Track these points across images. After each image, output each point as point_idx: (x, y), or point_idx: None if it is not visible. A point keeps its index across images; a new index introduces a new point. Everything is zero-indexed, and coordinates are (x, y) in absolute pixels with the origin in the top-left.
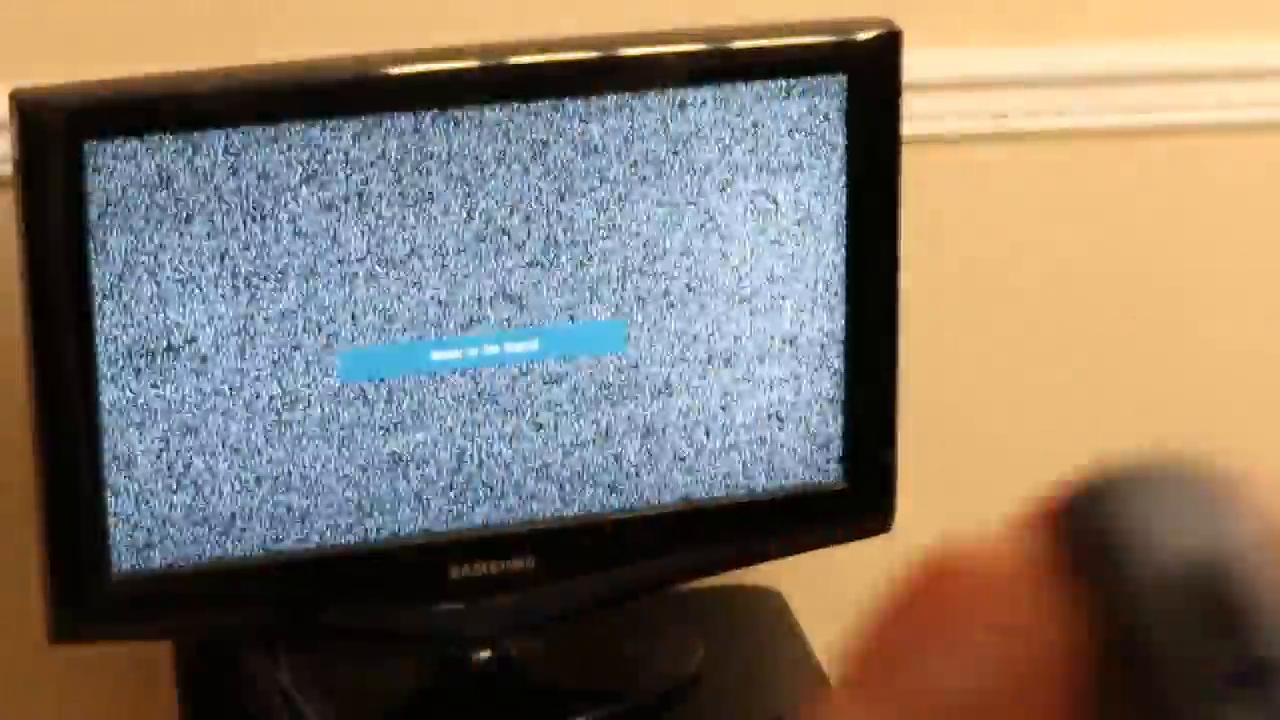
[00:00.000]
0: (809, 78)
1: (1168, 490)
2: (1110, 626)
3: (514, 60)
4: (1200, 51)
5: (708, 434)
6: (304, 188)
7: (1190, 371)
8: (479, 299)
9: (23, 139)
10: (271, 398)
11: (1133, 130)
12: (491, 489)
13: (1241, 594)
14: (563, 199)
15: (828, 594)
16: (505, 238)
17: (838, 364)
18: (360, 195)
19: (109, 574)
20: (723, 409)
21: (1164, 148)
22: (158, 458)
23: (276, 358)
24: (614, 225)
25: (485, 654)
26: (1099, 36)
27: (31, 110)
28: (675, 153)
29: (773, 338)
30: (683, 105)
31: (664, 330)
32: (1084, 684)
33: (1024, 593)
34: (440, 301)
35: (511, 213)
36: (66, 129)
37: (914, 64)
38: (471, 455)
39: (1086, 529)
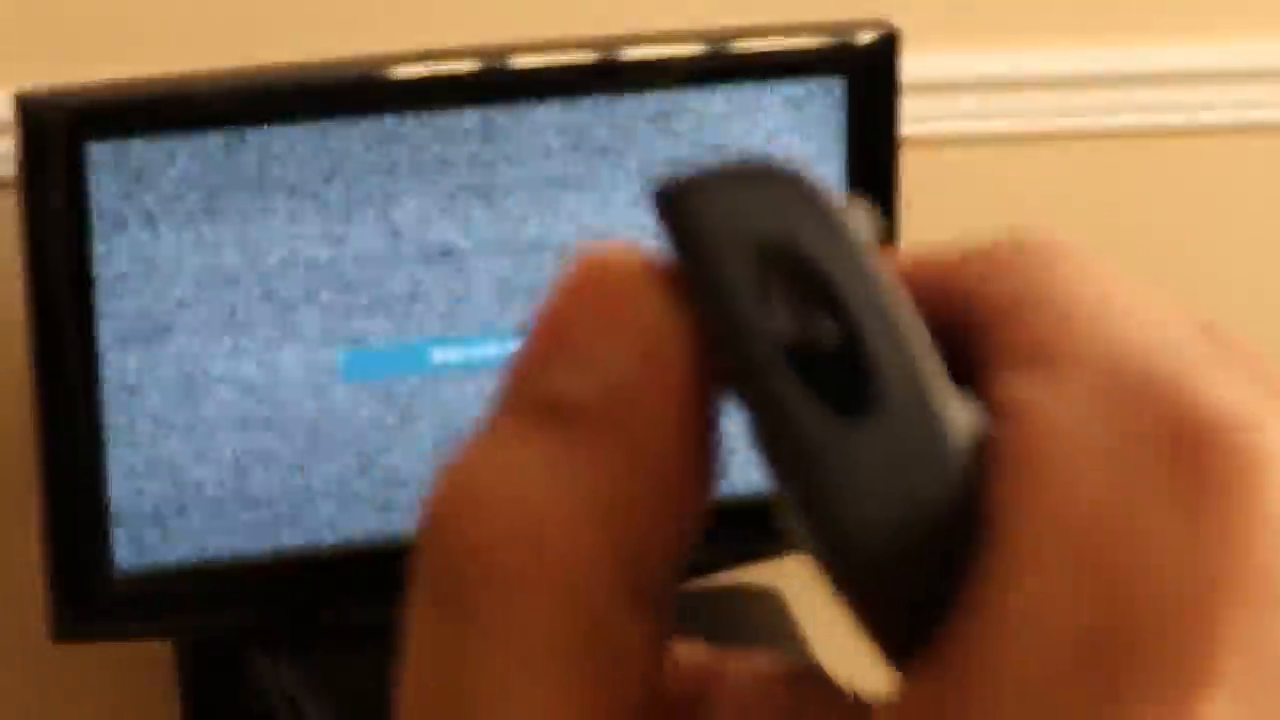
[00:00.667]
0: (808, 79)
1: (765, 183)
2: (700, 302)
3: (514, 61)
4: (1205, 54)
5: None
6: (307, 187)
7: None
8: (479, 298)
9: (26, 139)
10: (274, 398)
11: (1136, 132)
12: None
13: (818, 264)
14: (562, 199)
15: (828, 594)
16: (505, 237)
17: None
18: (364, 194)
19: (111, 573)
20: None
21: (1168, 150)
22: (160, 458)
23: (279, 358)
24: (613, 225)
25: None
26: (1101, 38)
27: (35, 111)
28: (674, 153)
29: None
30: (682, 105)
31: None
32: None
33: (646, 284)
34: (442, 301)
35: (510, 212)
36: (69, 129)
37: (913, 65)
38: None
39: (677, 212)
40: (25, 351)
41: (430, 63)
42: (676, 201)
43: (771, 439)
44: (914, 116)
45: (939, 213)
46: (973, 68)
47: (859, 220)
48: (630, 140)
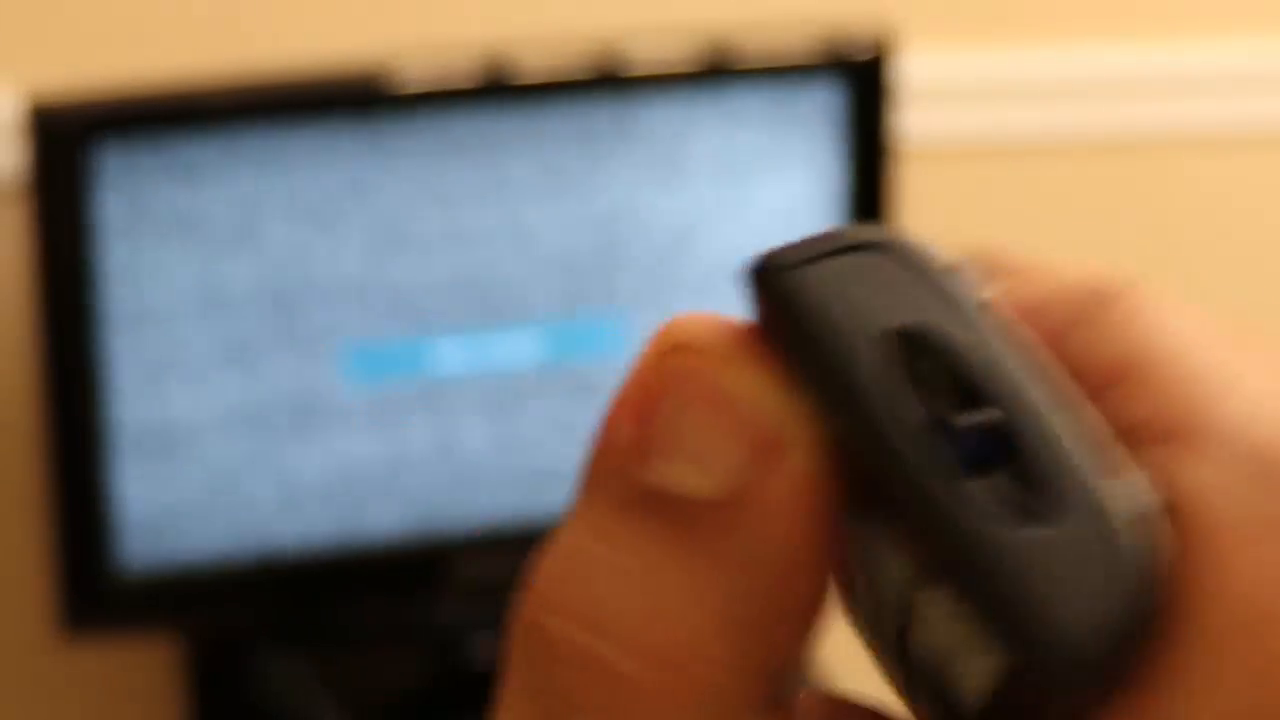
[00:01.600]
0: (807, 79)
1: (875, 257)
2: (825, 395)
3: (512, 61)
4: (1212, 56)
5: None
6: (314, 187)
7: None
8: (480, 297)
9: (35, 142)
10: (277, 398)
11: (1138, 140)
12: (494, 486)
13: (958, 352)
14: (561, 199)
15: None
16: (505, 236)
17: None
18: (370, 195)
19: (115, 572)
20: None
21: (1172, 158)
22: (164, 457)
23: (284, 358)
24: (613, 225)
25: (489, 652)
26: (1105, 40)
27: (44, 114)
28: (672, 153)
29: None
30: (680, 105)
31: None
32: (820, 468)
33: (749, 368)
34: (444, 300)
35: (510, 212)
36: (79, 132)
37: (912, 66)
38: (474, 453)
39: (783, 292)
40: (27, 351)
41: (431, 63)
42: (780, 280)
43: (934, 546)
44: (914, 117)
45: (938, 215)
46: (974, 69)
47: (974, 285)
48: (627, 140)
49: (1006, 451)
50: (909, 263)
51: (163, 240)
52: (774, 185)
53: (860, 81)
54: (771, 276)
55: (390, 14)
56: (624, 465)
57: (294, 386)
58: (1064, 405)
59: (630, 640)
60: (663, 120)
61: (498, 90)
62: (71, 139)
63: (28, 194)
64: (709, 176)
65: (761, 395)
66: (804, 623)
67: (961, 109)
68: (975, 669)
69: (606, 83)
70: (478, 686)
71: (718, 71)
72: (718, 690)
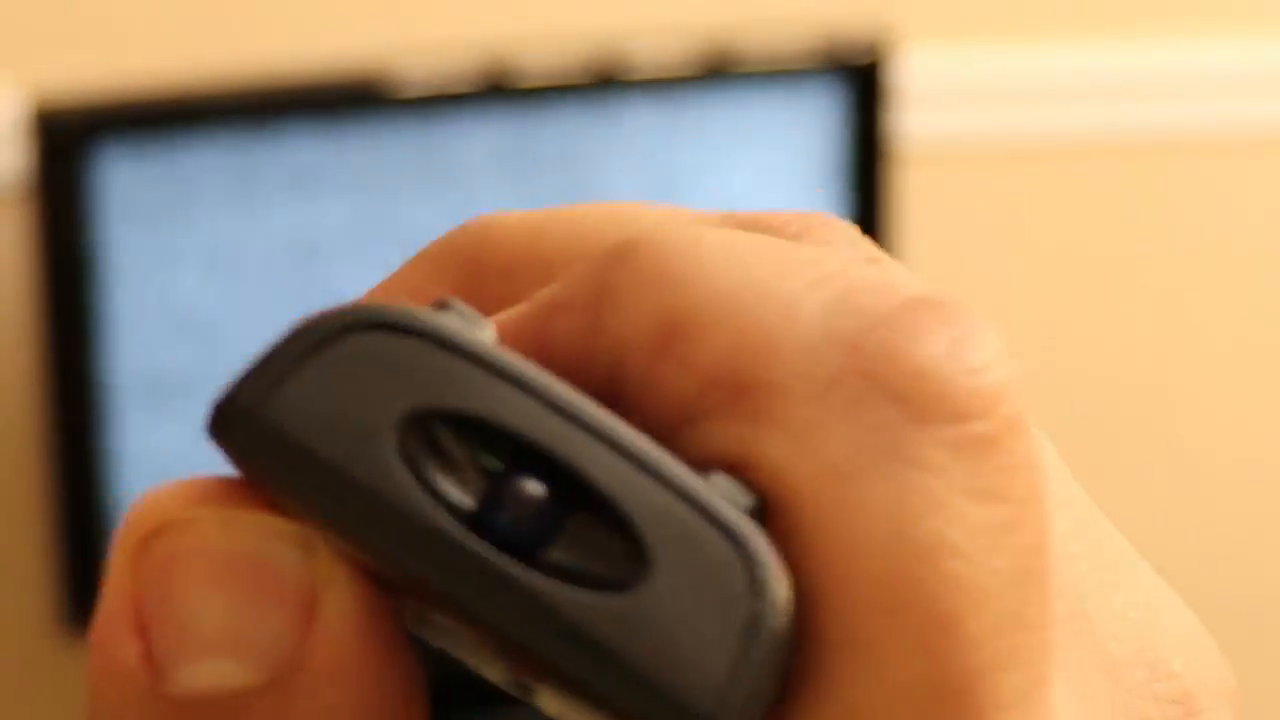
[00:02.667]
0: (806, 79)
1: (342, 346)
2: (346, 523)
3: (512, 63)
4: (1222, 56)
5: None
6: (320, 187)
7: (1197, 378)
8: None
9: (38, 143)
10: None
11: (1140, 141)
12: None
13: (476, 419)
14: (561, 199)
15: None
16: None
17: None
18: (371, 193)
19: None
20: None
21: (1176, 160)
22: (167, 455)
23: None
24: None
25: None
26: (1108, 40)
27: (47, 115)
28: (672, 153)
29: None
30: (680, 105)
31: None
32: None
33: (245, 519)
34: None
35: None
36: (81, 133)
37: (912, 66)
38: None
39: (249, 443)
40: (29, 352)
41: (431, 64)
42: (244, 424)
43: (521, 646)
44: (914, 117)
45: (938, 216)
46: (976, 69)
47: (471, 331)
48: (627, 140)
49: (565, 511)
50: (390, 334)
51: (164, 240)
52: (773, 187)
53: (859, 85)
54: (233, 426)
55: (391, 14)
56: (142, 689)
57: None
58: (613, 439)
59: None
60: (661, 123)
61: (496, 91)
62: (73, 140)
63: (30, 194)
64: (707, 179)
65: (270, 544)
66: None
67: (963, 111)
68: None
69: (605, 84)
70: (480, 686)
71: (716, 74)
72: None
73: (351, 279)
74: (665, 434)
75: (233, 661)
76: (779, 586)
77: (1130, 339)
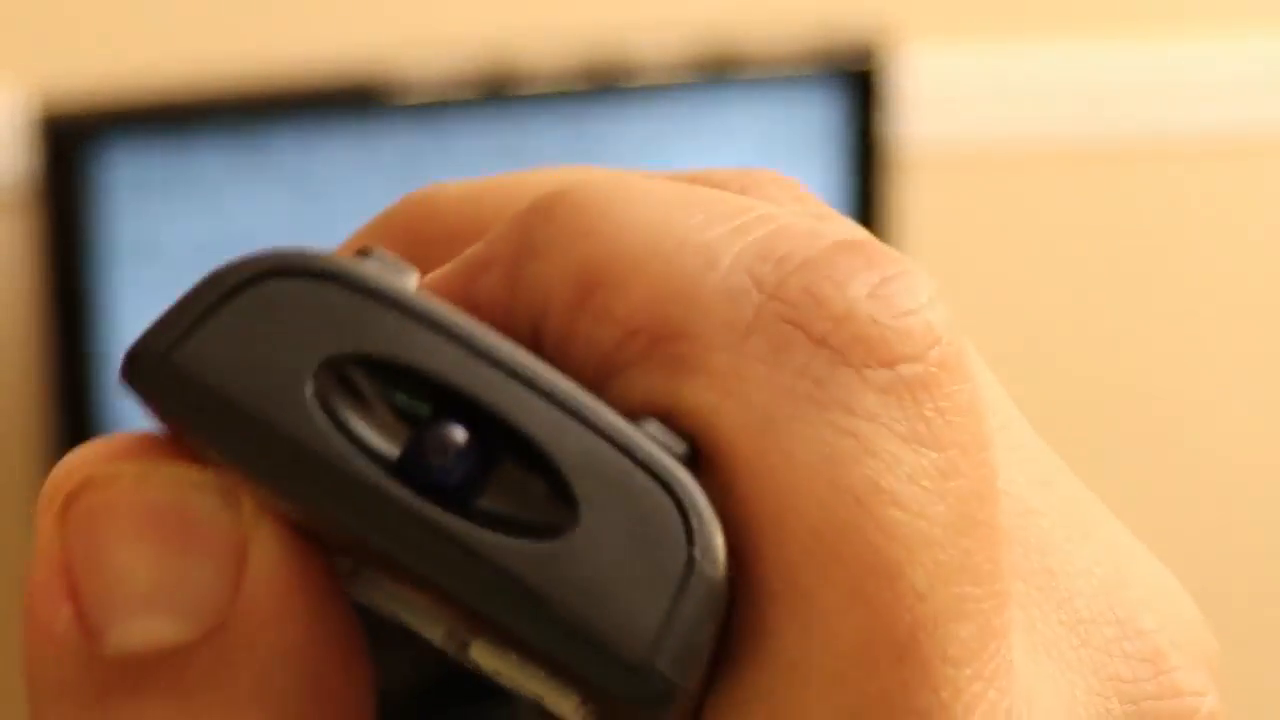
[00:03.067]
0: (806, 81)
1: (254, 293)
2: (266, 470)
3: (510, 64)
4: (1234, 56)
5: None
6: (324, 187)
7: (1201, 381)
8: None
9: (42, 144)
10: None
11: (1145, 144)
12: None
13: (399, 366)
14: None
15: None
16: None
17: None
18: (376, 194)
19: None
20: None
21: (1183, 164)
22: None
23: None
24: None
25: None
26: (1113, 41)
27: (51, 116)
28: (671, 155)
29: None
30: (680, 105)
31: None
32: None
33: (166, 471)
34: None
35: None
36: (85, 134)
37: (913, 68)
38: None
39: (161, 388)
40: (31, 350)
41: (431, 65)
42: (155, 370)
43: (450, 596)
44: (915, 117)
45: (939, 217)
46: (977, 69)
47: (391, 276)
48: (627, 140)
49: (492, 458)
50: (308, 279)
51: (168, 240)
52: None
53: (859, 87)
54: (145, 373)
55: (392, 15)
56: (76, 653)
57: None
58: (540, 383)
59: None
60: (659, 124)
61: (495, 93)
62: (78, 140)
63: (34, 195)
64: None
65: (192, 495)
66: (358, 714)
67: (965, 113)
68: (565, 709)
69: (603, 86)
70: (481, 684)
71: (716, 76)
72: None
73: None
74: (591, 386)
75: (164, 617)
76: (714, 534)
77: (1134, 343)
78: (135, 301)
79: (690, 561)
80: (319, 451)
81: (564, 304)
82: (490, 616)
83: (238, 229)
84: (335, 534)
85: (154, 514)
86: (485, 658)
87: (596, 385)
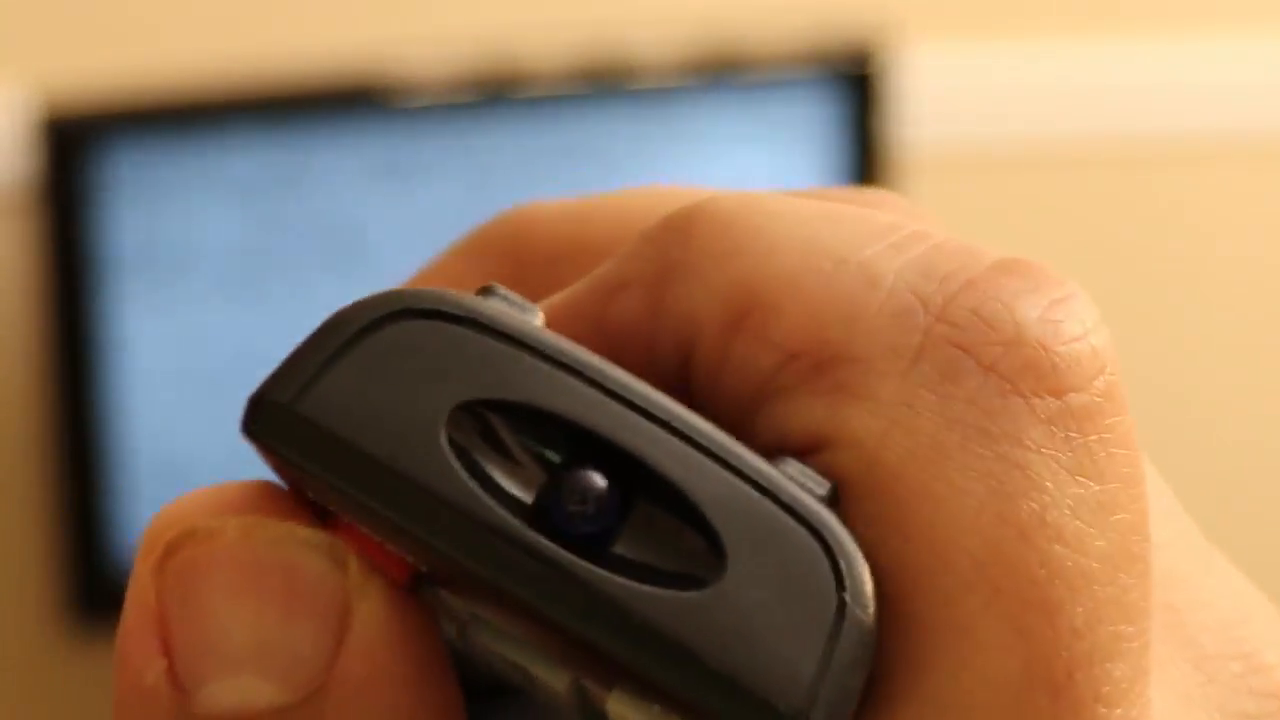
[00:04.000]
0: (806, 80)
1: (384, 340)
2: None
3: (512, 60)
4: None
5: None
6: (325, 188)
7: (1204, 384)
8: None
9: (45, 144)
10: None
11: (1151, 146)
12: None
13: (532, 410)
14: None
15: None
16: None
17: None
18: (380, 194)
19: (123, 569)
20: None
21: (1190, 167)
22: (171, 454)
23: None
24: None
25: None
26: (1116, 42)
27: (54, 116)
28: (671, 155)
29: None
30: (679, 106)
31: None
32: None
33: (273, 527)
34: None
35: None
36: (89, 134)
37: (915, 69)
38: None
39: (284, 439)
40: (34, 352)
41: (431, 65)
42: (280, 421)
43: (593, 648)
44: (915, 117)
45: (944, 223)
46: (978, 68)
47: (520, 316)
48: (625, 140)
49: (629, 504)
50: (434, 321)
51: (170, 241)
52: (774, 185)
53: (860, 87)
54: (269, 422)
55: (393, 14)
56: (166, 707)
57: None
58: (678, 425)
59: None
60: (659, 125)
61: (495, 93)
62: (80, 141)
63: (36, 196)
64: (707, 182)
65: (299, 553)
66: None
67: (966, 114)
68: None
69: (602, 86)
70: (483, 683)
71: (715, 77)
72: None
73: (357, 278)
74: (741, 415)
75: (260, 678)
76: (864, 577)
77: (1134, 343)
78: (137, 303)
79: (842, 606)
80: (456, 500)
81: (716, 327)
82: (639, 669)
83: (239, 229)
84: (462, 583)
85: (257, 571)
86: (625, 709)
87: (748, 412)
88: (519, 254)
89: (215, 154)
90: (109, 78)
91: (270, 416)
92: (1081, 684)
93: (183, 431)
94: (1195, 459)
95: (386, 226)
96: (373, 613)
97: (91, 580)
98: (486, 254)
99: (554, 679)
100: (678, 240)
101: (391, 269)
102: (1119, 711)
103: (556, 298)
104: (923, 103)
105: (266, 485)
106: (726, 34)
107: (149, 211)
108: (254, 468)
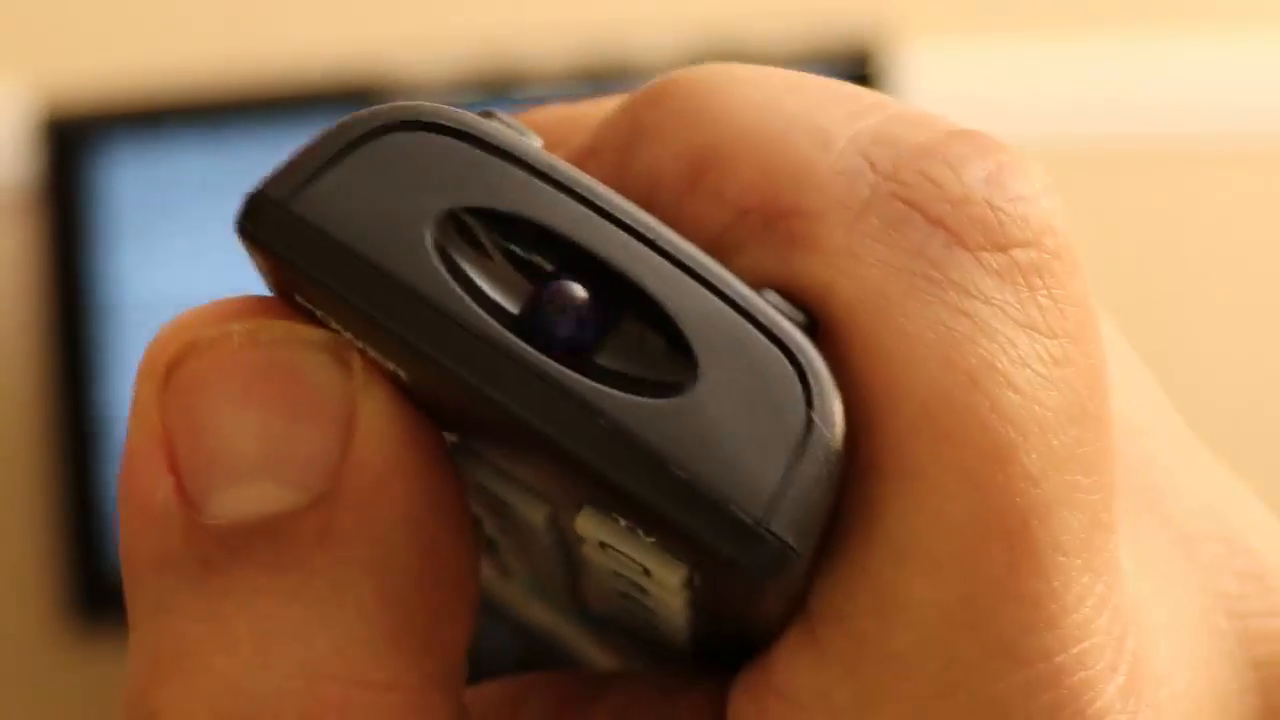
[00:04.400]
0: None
1: (372, 145)
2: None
3: (512, 60)
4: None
5: None
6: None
7: (1209, 386)
8: None
9: (46, 143)
10: None
11: (1156, 145)
12: None
13: (522, 219)
14: None
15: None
16: None
17: None
18: None
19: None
20: None
21: (1197, 166)
22: None
23: None
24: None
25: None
26: (1113, 38)
27: (55, 115)
28: None
29: None
30: None
31: None
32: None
33: (274, 332)
34: None
35: None
36: (89, 134)
37: (913, 65)
38: None
39: (279, 238)
40: (33, 350)
41: (431, 63)
42: (275, 218)
43: (567, 452)
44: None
45: None
46: (979, 68)
47: (515, 137)
48: None
49: (612, 316)
50: (432, 132)
51: (173, 241)
52: None
53: (862, 78)
54: (263, 220)
55: (393, 14)
56: (178, 525)
57: None
58: (663, 244)
59: (274, 715)
60: None
61: (495, 93)
62: (81, 141)
63: (37, 196)
64: None
65: (303, 354)
66: (463, 604)
67: (967, 113)
68: (670, 585)
69: (603, 86)
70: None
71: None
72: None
73: None
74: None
75: (271, 483)
76: (833, 398)
77: (1134, 344)
78: (138, 303)
79: (809, 424)
80: (438, 301)
81: (674, 185)
82: (605, 474)
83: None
84: (449, 392)
85: (262, 374)
86: (592, 528)
87: None
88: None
89: (215, 154)
90: (109, 78)
91: (264, 213)
92: (1037, 531)
93: None
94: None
95: None
96: (378, 411)
97: (91, 580)
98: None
99: (532, 512)
100: (646, 106)
101: None
102: (1079, 561)
103: None
104: (923, 103)
105: (264, 296)
106: (726, 34)
107: (150, 210)
108: None
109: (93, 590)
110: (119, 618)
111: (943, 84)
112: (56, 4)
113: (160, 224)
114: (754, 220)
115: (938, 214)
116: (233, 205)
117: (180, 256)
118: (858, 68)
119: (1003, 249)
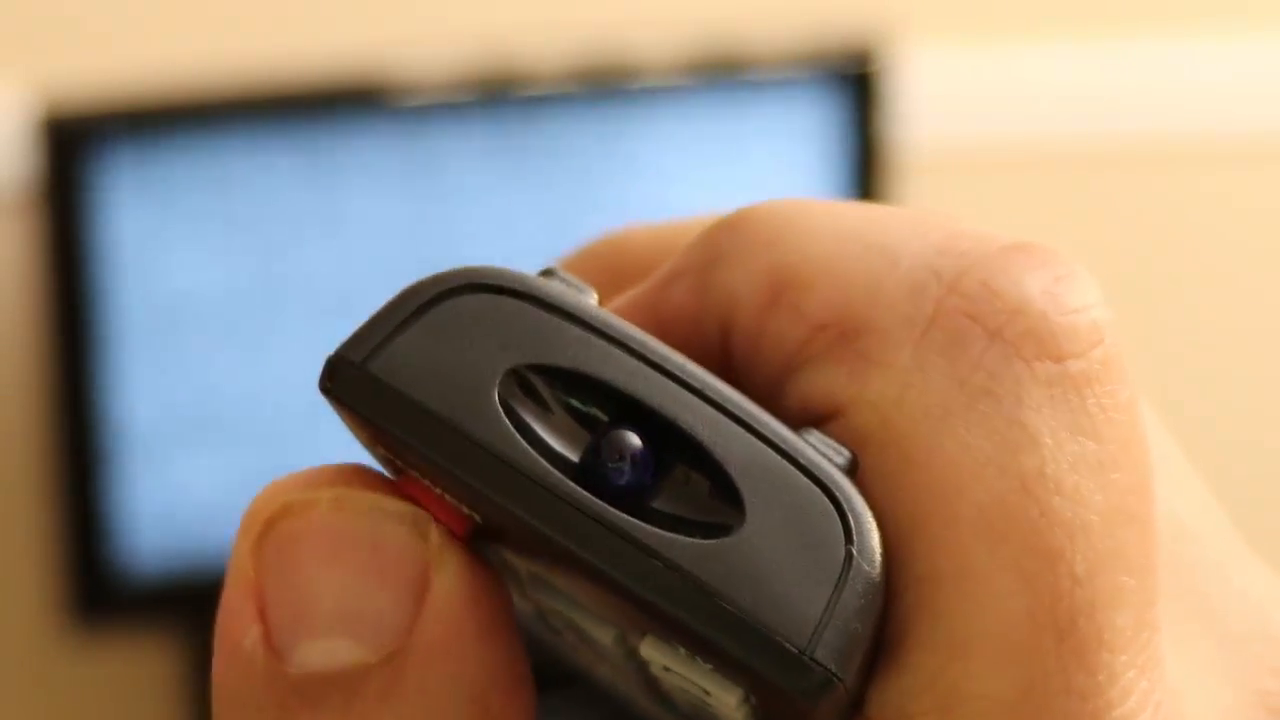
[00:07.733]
0: (806, 80)
1: (447, 310)
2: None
3: (512, 60)
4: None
5: None
6: (325, 189)
7: (1209, 387)
8: None
9: (46, 145)
10: (287, 404)
11: (1156, 146)
12: None
13: (580, 376)
14: (558, 202)
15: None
16: (499, 240)
17: None
18: (385, 196)
19: (124, 571)
20: None
21: (1195, 167)
22: (172, 460)
23: (293, 365)
24: (606, 227)
25: None
26: (1112, 38)
27: (55, 117)
28: (671, 154)
29: None
30: (679, 106)
31: None
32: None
33: (357, 500)
34: None
35: (504, 215)
36: (90, 135)
37: (913, 67)
38: None
39: (357, 397)
40: (35, 353)
41: (431, 65)
42: (353, 380)
43: (625, 594)
44: (917, 117)
45: None
46: (980, 68)
47: (575, 295)
48: (623, 142)
49: (664, 463)
50: (495, 294)
51: (174, 241)
52: (773, 191)
53: (860, 88)
54: (343, 380)
55: (393, 14)
56: (261, 670)
57: (306, 387)
58: (709, 393)
59: None
60: (659, 125)
61: (495, 93)
62: (80, 142)
63: (36, 197)
64: (705, 183)
65: (383, 523)
66: None
67: (968, 115)
68: (729, 704)
69: (603, 86)
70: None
71: (715, 77)
72: None
73: (361, 280)
74: (774, 384)
75: (347, 640)
76: (871, 533)
77: (1134, 344)
78: (137, 303)
79: (849, 558)
80: (504, 453)
81: (755, 305)
82: (663, 610)
83: (240, 230)
84: (519, 534)
85: (346, 540)
86: (655, 653)
87: (781, 380)
88: (615, 269)
89: (215, 154)
90: (109, 78)
91: (343, 375)
92: (1084, 628)
93: (185, 420)
94: (1194, 458)
95: (386, 223)
96: (450, 579)
97: (92, 581)
98: (587, 265)
99: (601, 634)
100: (725, 233)
101: (392, 265)
102: (1124, 658)
103: (626, 294)
104: (923, 103)
105: (354, 465)
106: (726, 34)
107: (149, 211)
108: (255, 471)
109: (93, 591)
110: (119, 619)
111: (943, 85)
112: (56, 4)
113: (160, 224)
114: (830, 335)
115: (996, 326)
116: (232, 205)
117: (180, 256)
118: (858, 68)
119: (1056, 359)
